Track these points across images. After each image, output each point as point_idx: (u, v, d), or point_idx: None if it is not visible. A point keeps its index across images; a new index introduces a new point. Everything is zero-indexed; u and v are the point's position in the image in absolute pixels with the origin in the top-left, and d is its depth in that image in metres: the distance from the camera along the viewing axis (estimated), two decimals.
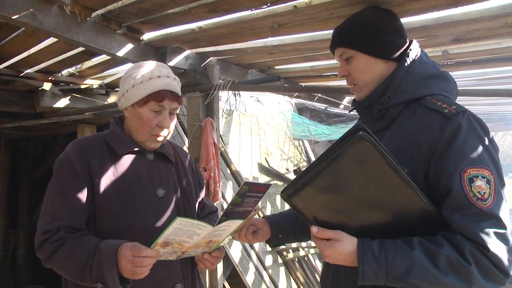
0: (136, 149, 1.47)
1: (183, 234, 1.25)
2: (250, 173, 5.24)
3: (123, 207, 1.38)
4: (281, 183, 5.62)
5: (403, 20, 1.39)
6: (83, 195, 1.36)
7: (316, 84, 4.12)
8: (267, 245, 1.59)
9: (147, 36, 2.61)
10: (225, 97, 3.26)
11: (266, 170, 5.53)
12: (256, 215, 4.50)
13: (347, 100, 5.19)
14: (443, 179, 1.07)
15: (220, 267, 3.22)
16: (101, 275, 1.24)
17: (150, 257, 1.23)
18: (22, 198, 5.72)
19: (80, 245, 1.30)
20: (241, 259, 4.13)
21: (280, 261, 4.88)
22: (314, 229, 1.11)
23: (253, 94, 5.48)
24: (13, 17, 1.90)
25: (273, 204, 5.40)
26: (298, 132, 6.17)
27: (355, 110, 1.43)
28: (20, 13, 1.92)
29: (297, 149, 6.52)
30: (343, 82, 3.94)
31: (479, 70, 3.44)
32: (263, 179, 5.42)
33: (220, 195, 3.02)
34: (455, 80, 1.30)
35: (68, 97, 3.79)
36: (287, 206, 1.20)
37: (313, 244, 4.64)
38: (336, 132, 6.24)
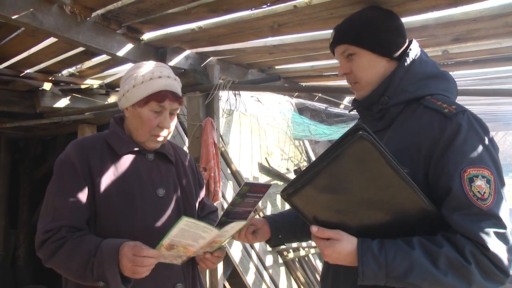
0: (136, 149, 1.47)
1: (188, 237, 1.25)
2: (251, 173, 5.24)
3: (123, 207, 1.38)
4: (282, 183, 5.62)
5: (403, 20, 1.39)
6: (83, 195, 1.36)
7: (316, 84, 4.12)
8: (267, 245, 1.59)
9: (147, 36, 2.61)
10: (225, 97, 3.26)
11: (266, 170, 5.53)
12: (257, 215, 4.51)
13: (347, 100, 5.19)
14: (443, 178, 1.07)
15: (220, 267, 3.22)
16: (103, 274, 1.24)
17: (151, 257, 1.23)
18: (23, 198, 5.72)
19: (81, 244, 1.29)
20: (242, 259, 4.13)
21: (280, 261, 4.88)
22: (314, 228, 1.11)
23: (254, 94, 5.48)
24: (13, 17, 1.90)
25: (274, 204, 5.40)
26: (299, 132, 6.17)
27: (355, 110, 1.43)
28: (20, 13, 1.92)
29: (298, 149, 6.52)
30: (343, 82, 3.95)
31: (479, 70, 3.43)
32: (264, 179, 5.42)
33: (220, 195, 3.02)
34: (455, 80, 1.30)
35: (68, 97, 3.79)
36: (287, 206, 1.20)
37: (313, 244, 4.64)
38: (337, 132, 6.23)
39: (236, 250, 4.10)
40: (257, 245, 4.50)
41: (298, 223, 1.50)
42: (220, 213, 2.43)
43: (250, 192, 1.35)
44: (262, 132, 5.64)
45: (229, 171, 4.56)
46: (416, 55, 1.27)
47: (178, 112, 1.53)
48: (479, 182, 1.03)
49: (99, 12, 2.22)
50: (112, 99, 4.00)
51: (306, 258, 5.26)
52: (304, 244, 5.11)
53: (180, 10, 2.08)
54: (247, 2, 1.93)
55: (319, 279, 1.44)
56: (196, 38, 2.57)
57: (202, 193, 1.72)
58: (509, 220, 1.03)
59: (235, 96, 3.22)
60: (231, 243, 4.04)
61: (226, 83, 2.95)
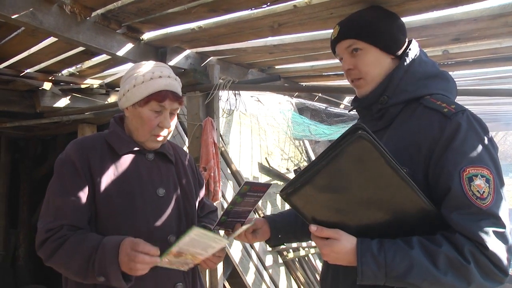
0: (136, 148, 1.47)
1: (198, 246, 1.25)
2: (251, 173, 5.24)
3: (124, 207, 1.38)
4: (282, 183, 5.62)
5: (403, 20, 1.39)
6: (84, 194, 1.36)
7: (316, 83, 4.12)
8: (267, 245, 1.59)
9: (147, 35, 2.61)
10: (225, 97, 3.26)
11: (266, 170, 5.53)
12: (256, 214, 4.52)
13: (347, 99, 5.18)
14: (443, 178, 1.06)
15: (220, 266, 3.21)
16: (104, 269, 1.24)
17: (147, 253, 1.21)
18: (23, 198, 5.71)
19: (83, 241, 1.29)
20: (241, 259, 4.13)
21: (280, 261, 4.88)
22: (313, 227, 1.11)
23: (254, 94, 5.49)
24: (13, 17, 1.90)
25: (274, 204, 5.40)
26: (299, 132, 6.17)
27: (355, 110, 1.43)
28: (20, 13, 1.92)
29: (298, 149, 6.52)
30: (343, 82, 3.95)
31: (480, 70, 3.43)
32: (264, 179, 5.42)
33: (220, 194, 3.02)
34: (456, 79, 1.30)
35: (68, 97, 3.79)
36: (287, 206, 1.20)
37: (313, 244, 4.64)
38: (337, 132, 6.23)
39: (236, 250, 4.10)
40: (257, 245, 4.50)
41: (298, 223, 1.50)
42: (220, 212, 2.43)
43: (250, 192, 1.36)
44: (262, 132, 5.64)
45: (229, 171, 4.56)
46: (416, 55, 1.27)
47: (178, 112, 1.53)
48: (479, 182, 1.03)
49: (99, 11, 2.22)
50: (112, 98, 4.00)
51: (306, 258, 5.26)
52: (304, 244, 5.11)
53: (180, 10, 2.08)
54: (247, 1, 1.93)
55: (319, 279, 1.44)
56: (196, 38, 2.57)
57: (202, 193, 1.72)
58: (509, 220, 1.03)
59: (235, 96, 3.22)
60: (230, 243, 4.04)
61: (226, 83, 2.94)
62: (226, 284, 4.10)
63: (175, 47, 2.80)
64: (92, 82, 3.71)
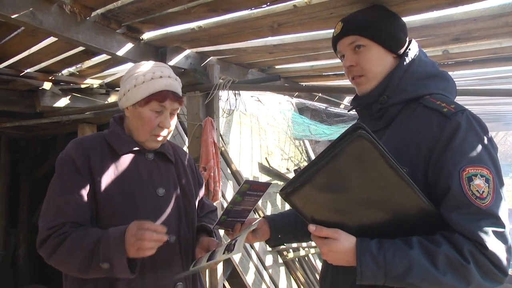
0: (136, 148, 1.47)
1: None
2: (251, 172, 5.24)
3: (124, 206, 1.38)
4: (282, 182, 5.62)
5: (403, 20, 1.39)
6: (86, 193, 1.36)
7: (316, 83, 4.12)
8: (267, 245, 1.59)
9: (147, 35, 2.61)
10: (225, 97, 3.26)
11: (266, 169, 5.53)
12: (256, 214, 4.52)
13: (347, 100, 5.18)
14: (442, 178, 1.06)
15: (220, 267, 3.21)
16: (109, 256, 1.24)
17: (154, 230, 1.23)
18: (23, 197, 5.71)
19: (86, 234, 1.30)
20: (241, 259, 4.13)
21: (280, 261, 4.89)
22: (312, 227, 1.11)
23: (254, 94, 5.49)
24: (13, 16, 1.90)
25: (274, 204, 5.40)
26: (299, 132, 6.17)
27: (354, 110, 1.43)
28: (20, 12, 1.92)
29: (298, 149, 6.52)
30: (343, 82, 3.95)
31: (480, 70, 3.43)
32: (264, 179, 5.42)
33: (220, 194, 3.02)
34: (456, 79, 1.30)
35: (68, 97, 3.79)
36: (287, 206, 1.20)
37: (313, 244, 4.64)
38: (337, 132, 6.23)
39: None
40: (257, 245, 4.50)
41: (298, 223, 1.50)
42: (220, 212, 2.43)
43: (250, 190, 1.35)
44: (262, 132, 5.64)
45: (229, 171, 4.56)
46: (415, 54, 1.27)
47: (178, 111, 1.53)
48: (478, 181, 1.03)
49: (99, 11, 2.22)
50: (112, 98, 4.00)
51: (306, 258, 5.26)
52: (304, 244, 5.11)
53: (180, 10, 2.08)
54: (247, 1, 1.93)
55: (318, 279, 1.44)
56: (196, 38, 2.57)
57: (202, 193, 1.72)
58: (508, 220, 1.03)
59: (235, 96, 3.22)
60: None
61: (226, 83, 2.94)
62: (226, 284, 4.10)
63: (175, 47, 2.80)
64: (92, 82, 3.71)
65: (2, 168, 5.53)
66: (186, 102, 3.18)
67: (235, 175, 4.57)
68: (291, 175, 5.66)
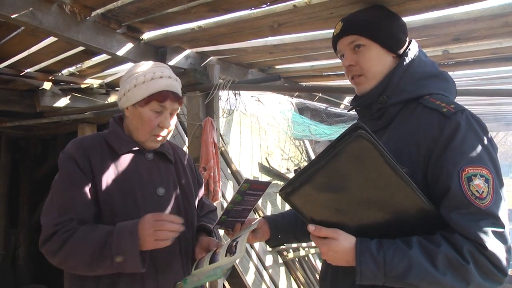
0: (135, 148, 1.48)
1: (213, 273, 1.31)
2: (251, 172, 5.24)
3: (124, 206, 1.39)
4: (282, 183, 5.62)
5: (403, 20, 1.39)
6: (89, 190, 1.37)
7: (316, 83, 4.12)
8: (267, 245, 1.59)
9: (147, 35, 2.61)
10: (225, 97, 3.26)
11: (266, 170, 5.53)
12: (256, 214, 4.52)
13: (347, 100, 5.18)
14: (442, 178, 1.06)
15: None
16: (121, 248, 1.25)
17: (173, 221, 1.26)
18: (23, 197, 5.71)
19: (96, 228, 1.30)
20: (241, 259, 4.13)
21: (280, 261, 4.89)
22: (311, 227, 1.11)
23: (254, 94, 5.49)
24: (13, 16, 1.90)
25: (274, 204, 5.40)
26: (299, 132, 6.17)
27: (354, 110, 1.43)
28: (20, 12, 1.92)
29: (298, 149, 6.52)
30: (343, 82, 3.95)
31: (480, 70, 3.43)
32: (264, 179, 5.43)
33: (220, 194, 3.01)
34: (456, 80, 1.29)
35: (68, 97, 3.79)
36: (287, 206, 1.20)
37: (313, 244, 4.62)
38: (337, 132, 6.23)
39: None
40: (257, 245, 4.50)
41: (298, 223, 1.50)
42: (220, 212, 2.43)
43: (250, 190, 1.36)
44: (262, 132, 5.64)
45: (229, 171, 4.56)
46: (415, 54, 1.27)
47: (178, 111, 1.54)
48: (478, 181, 1.03)
49: (98, 11, 2.21)
50: (112, 98, 4.00)
51: (306, 258, 5.26)
52: (304, 244, 5.11)
53: (180, 10, 2.08)
54: (247, 1, 1.93)
55: (318, 279, 1.44)
56: (196, 38, 2.57)
57: (201, 192, 1.72)
58: (508, 220, 1.03)
59: (235, 96, 3.22)
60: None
61: (226, 83, 2.94)
62: (226, 284, 4.10)
63: (175, 47, 2.80)
64: (92, 81, 3.71)
65: (2, 168, 5.53)
66: (186, 102, 3.18)
67: (235, 175, 4.57)
68: (291, 175, 5.66)
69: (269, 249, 4.62)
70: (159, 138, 1.48)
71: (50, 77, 3.40)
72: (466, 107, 1.14)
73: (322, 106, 6.15)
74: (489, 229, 1.00)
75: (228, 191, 4.42)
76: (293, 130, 6.13)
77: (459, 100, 1.28)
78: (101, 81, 3.76)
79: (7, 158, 5.59)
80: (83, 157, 1.39)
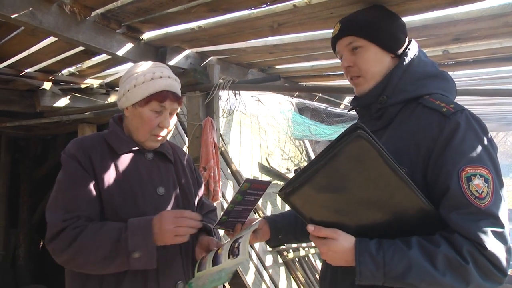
0: (135, 148, 1.48)
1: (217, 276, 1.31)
2: (251, 172, 5.24)
3: (125, 205, 1.39)
4: (282, 183, 5.62)
5: (403, 20, 1.39)
6: (93, 188, 1.37)
7: (316, 83, 4.11)
8: (267, 245, 1.59)
9: (147, 35, 2.61)
10: (225, 97, 3.26)
11: (266, 170, 5.53)
12: (257, 215, 4.52)
13: (347, 100, 5.18)
14: (441, 178, 1.06)
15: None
16: (138, 244, 1.26)
17: (192, 218, 1.32)
18: (23, 197, 5.71)
19: (105, 225, 1.30)
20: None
21: (280, 261, 4.88)
22: (311, 227, 1.11)
23: (254, 94, 5.49)
24: (12, 16, 1.90)
25: (274, 204, 5.40)
26: (299, 132, 6.17)
27: (354, 110, 1.43)
28: (19, 12, 1.92)
29: (298, 149, 6.52)
30: (343, 82, 3.95)
31: (480, 70, 3.43)
32: (264, 179, 5.42)
33: (220, 194, 3.01)
34: (456, 80, 1.29)
35: (68, 97, 3.79)
36: (287, 206, 1.20)
37: (313, 244, 4.62)
38: (337, 132, 6.24)
39: None
40: (257, 245, 4.50)
41: (298, 223, 1.50)
42: (220, 212, 2.42)
43: (251, 189, 1.36)
44: (262, 132, 5.64)
45: (229, 171, 4.56)
46: (415, 54, 1.27)
47: (177, 111, 1.54)
48: (477, 181, 1.02)
49: (98, 11, 2.21)
50: (112, 98, 4.00)
51: (306, 258, 5.26)
52: (304, 244, 5.11)
53: (179, 10, 2.08)
54: (247, 1, 1.93)
55: (318, 279, 1.44)
56: (196, 38, 2.57)
57: (201, 192, 1.72)
58: (508, 220, 1.03)
59: (235, 96, 3.22)
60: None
61: (226, 83, 2.94)
62: (226, 284, 4.09)
63: (175, 47, 2.80)
64: (92, 81, 3.71)
65: (2, 168, 5.52)
66: (186, 102, 3.18)
67: (235, 175, 4.57)
68: (291, 175, 5.65)
69: (269, 249, 4.62)
70: (159, 138, 1.48)
71: (50, 77, 3.40)
72: (466, 107, 1.14)
73: (322, 106, 6.15)
74: (488, 229, 0.99)
75: (228, 191, 4.42)
76: (293, 130, 6.13)
77: (459, 100, 1.28)
78: (101, 81, 3.76)
79: (7, 158, 5.59)
80: (84, 156, 1.39)
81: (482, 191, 1.02)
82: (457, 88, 1.29)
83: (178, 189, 1.54)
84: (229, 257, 1.28)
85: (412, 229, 1.08)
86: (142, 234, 1.27)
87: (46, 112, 3.96)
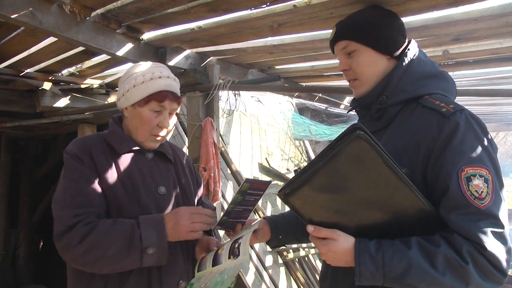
0: (136, 148, 1.48)
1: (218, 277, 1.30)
2: (251, 173, 5.24)
3: (130, 204, 1.39)
4: (282, 183, 5.61)
5: (403, 20, 1.39)
6: (99, 186, 1.37)
7: (316, 84, 4.12)
8: (267, 246, 1.59)
9: (147, 35, 2.61)
10: (225, 97, 3.26)
11: (266, 170, 5.53)
12: (257, 215, 4.51)
13: (347, 100, 5.18)
14: (441, 178, 1.06)
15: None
16: (152, 240, 1.28)
17: (207, 215, 1.37)
18: (23, 198, 5.71)
19: (116, 222, 1.31)
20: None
21: (280, 261, 4.88)
22: (310, 228, 1.11)
23: (254, 94, 5.48)
24: (12, 16, 1.90)
25: (274, 204, 5.40)
26: (299, 132, 6.17)
27: (354, 110, 1.43)
28: (19, 12, 1.92)
29: (298, 149, 6.52)
30: (343, 82, 3.95)
31: (480, 70, 3.42)
32: (264, 179, 5.42)
33: (220, 195, 3.01)
34: (456, 80, 1.29)
35: (68, 97, 3.79)
36: (287, 207, 1.20)
37: (313, 244, 4.62)
38: (337, 132, 6.23)
39: None
40: (257, 245, 4.50)
41: (298, 224, 1.50)
42: (220, 213, 2.42)
43: (251, 189, 1.36)
44: (262, 132, 5.64)
45: (229, 171, 4.56)
46: (415, 54, 1.27)
47: (177, 112, 1.54)
48: (477, 181, 1.02)
49: (98, 11, 2.21)
50: (112, 98, 4.00)
51: (306, 258, 5.26)
52: (304, 244, 5.10)
53: (179, 10, 2.07)
54: (247, 1, 1.93)
55: (318, 279, 1.44)
56: (196, 38, 2.57)
57: (200, 192, 1.73)
58: (508, 221, 1.03)
59: (235, 96, 3.21)
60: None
61: (226, 83, 2.94)
62: None
63: (175, 47, 2.80)
64: (92, 82, 3.71)
65: (2, 168, 5.53)
66: (186, 102, 3.18)
67: (235, 176, 4.57)
68: (291, 176, 5.65)
69: (269, 249, 4.61)
70: (159, 138, 1.48)
71: (50, 77, 3.40)
72: (466, 107, 1.14)
73: (322, 106, 6.15)
74: (488, 230, 0.99)
75: (228, 191, 4.42)
76: (293, 130, 6.13)
77: (459, 100, 1.27)
78: (101, 81, 3.76)
79: (7, 158, 5.59)
80: (86, 156, 1.39)
81: (482, 191, 1.02)
82: (457, 88, 1.29)
83: (178, 189, 1.54)
84: (229, 258, 1.28)
85: (411, 229, 1.08)
86: (156, 231, 1.30)
87: (46, 112, 3.96)
